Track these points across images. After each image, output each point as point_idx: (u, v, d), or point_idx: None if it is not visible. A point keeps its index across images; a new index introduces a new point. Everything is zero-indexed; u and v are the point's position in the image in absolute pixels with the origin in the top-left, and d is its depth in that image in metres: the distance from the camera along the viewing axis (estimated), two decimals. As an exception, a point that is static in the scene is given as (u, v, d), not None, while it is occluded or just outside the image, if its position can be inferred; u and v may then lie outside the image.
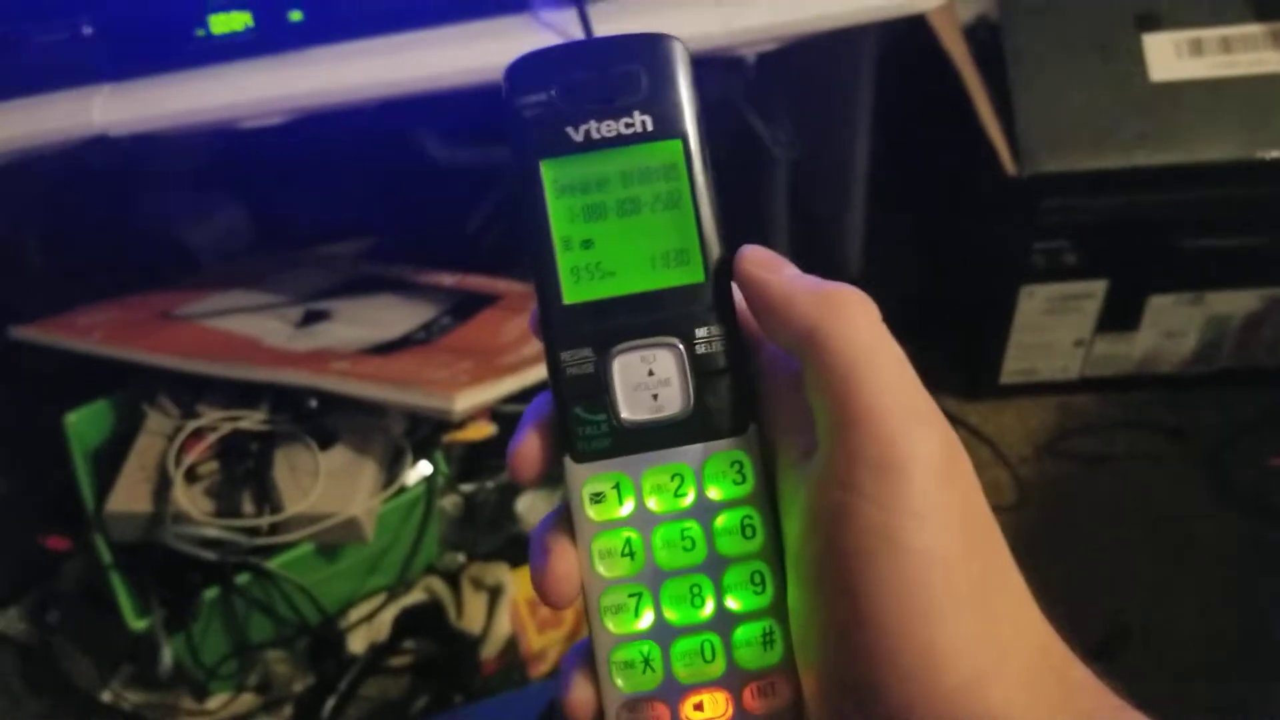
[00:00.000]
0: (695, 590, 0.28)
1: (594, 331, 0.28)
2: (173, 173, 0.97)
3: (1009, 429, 1.02)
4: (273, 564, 0.75)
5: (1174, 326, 0.99)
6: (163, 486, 0.75)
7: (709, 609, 0.28)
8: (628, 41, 0.29)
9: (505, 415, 0.82)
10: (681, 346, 0.28)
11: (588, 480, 0.28)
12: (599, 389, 0.28)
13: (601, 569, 0.28)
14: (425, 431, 0.81)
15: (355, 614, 0.81)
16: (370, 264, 0.99)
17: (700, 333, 0.28)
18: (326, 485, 0.75)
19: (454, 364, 0.80)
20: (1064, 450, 1.00)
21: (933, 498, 0.25)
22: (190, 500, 0.74)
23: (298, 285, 0.92)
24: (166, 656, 0.74)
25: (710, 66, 0.77)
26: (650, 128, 0.28)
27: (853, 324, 0.26)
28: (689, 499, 0.28)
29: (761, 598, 0.28)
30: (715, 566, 0.28)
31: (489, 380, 0.76)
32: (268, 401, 0.78)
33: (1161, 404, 1.02)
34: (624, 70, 0.28)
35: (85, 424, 0.82)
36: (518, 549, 0.86)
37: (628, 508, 0.28)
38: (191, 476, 0.76)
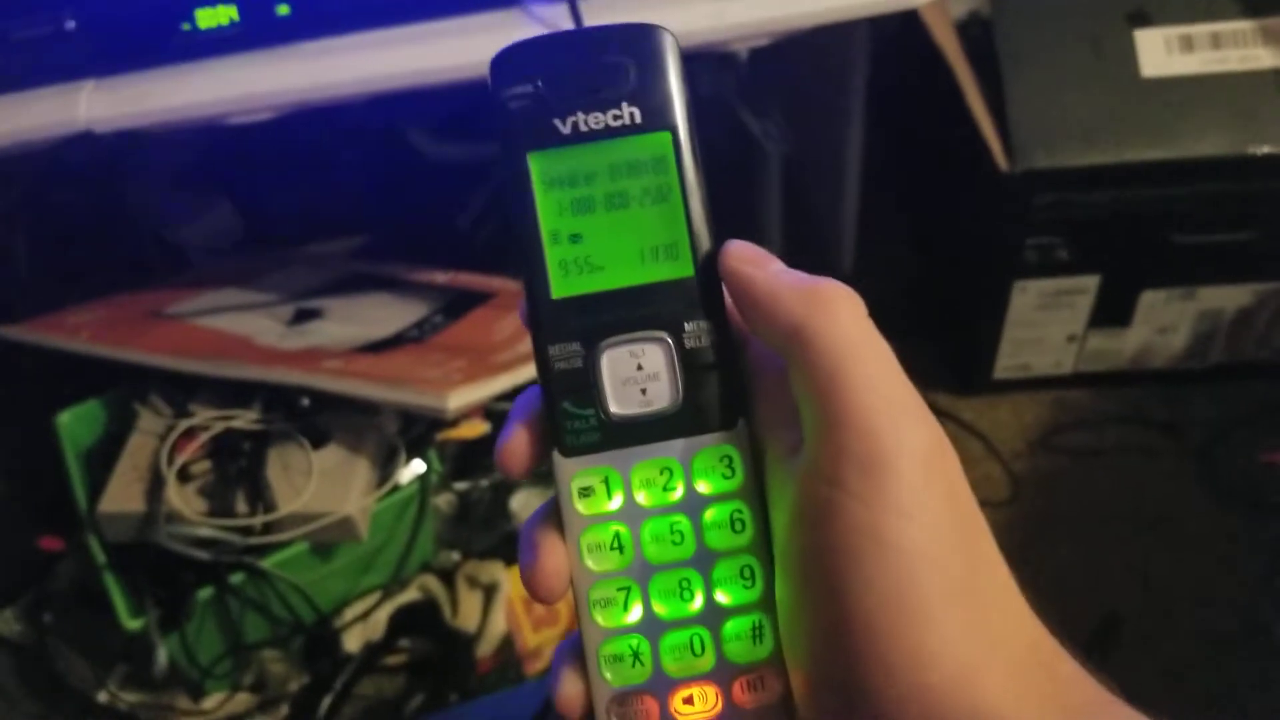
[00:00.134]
0: (684, 584, 0.28)
1: (582, 326, 0.28)
2: (161, 170, 0.97)
3: (1002, 424, 1.02)
4: (267, 563, 0.75)
5: (1166, 322, 0.99)
6: (155, 486, 0.74)
7: (698, 603, 0.28)
8: (615, 32, 0.28)
9: (498, 413, 0.82)
10: (670, 341, 0.28)
11: (576, 474, 0.28)
12: (587, 383, 0.28)
13: (590, 563, 0.28)
14: (418, 430, 0.81)
15: (350, 613, 0.81)
16: (362, 262, 0.98)
17: (689, 327, 0.28)
18: (320, 484, 0.74)
19: (447, 362, 0.80)
20: (1057, 445, 1.01)
21: (919, 494, 0.25)
22: (183, 500, 0.74)
23: (289, 283, 0.92)
24: (161, 656, 0.74)
25: (702, 62, 0.77)
26: (638, 120, 0.28)
27: (838, 320, 0.26)
28: (678, 493, 0.28)
29: (751, 592, 0.28)
30: (704, 560, 0.28)
31: (482, 378, 0.76)
32: (260, 400, 0.78)
33: (1154, 399, 1.02)
34: (611, 61, 0.28)
35: (77, 424, 0.82)
36: (512, 547, 0.85)
37: (616, 502, 0.28)
38: (184, 476, 0.75)
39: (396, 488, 0.78)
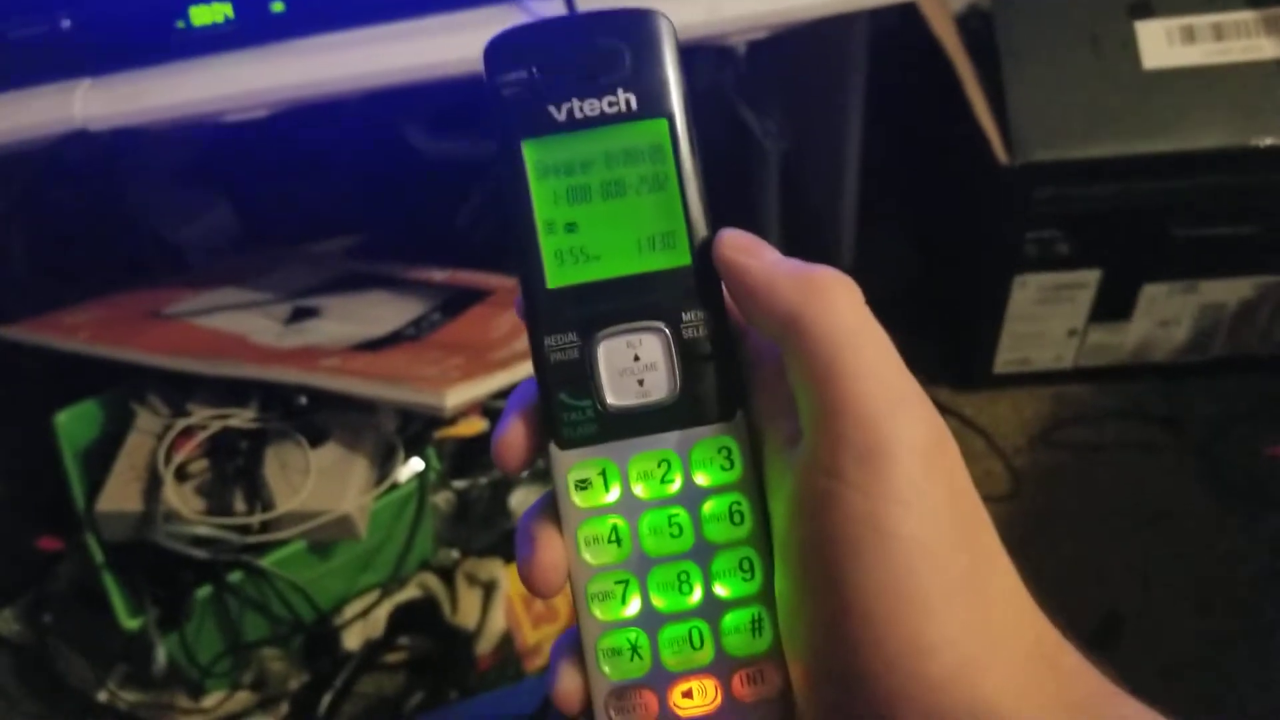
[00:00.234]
0: (683, 577, 0.28)
1: (578, 316, 0.28)
2: (158, 170, 0.96)
3: (1003, 419, 1.02)
4: (265, 562, 0.75)
5: (1167, 315, 0.98)
6: (153, 485, 0.74)
7: (697, 596, 0.28)
8: (610, 17, 0.28)
9: (496, 411, 0.82)
10: (668, 331, 0.28)
11: (573, 467, 0.28)
12: (584, 374, 0.28)
13: (588, 556, 0.28)
14: (417, 428, 0.80)
15: (349, 611, 0.81)
16: (359, 260, 0.98)
17: (687, 316, 0.28)
18: (318, 482, 0.74)
19: (444, 360, 0.80)
20: (1058, 440, 1.00)
21: (919, 484, 0.24)
22: (181, 499, 0.74)
23: (286, 282, 0.92)
24: (160, 655, 0.74)
25: (700, 56, 0.77)
26: (634, 106, 0.28)
27: (835, 308, 0.26)
28: (676, 485, 0.28)
29: (750, 584, 0.28)
30: (703, 553, 0.28)
31: (480, 376, 0.76)
32: (257, 399, 0.78)
33: (1155, 393, 1.02)
34: (607, 47, 0.28)
35: (74, 424, 0.82)
36: (511, 544, 0.85)
37: (614, 494, 0.28)
38: (182, 475, 0.75)
39: (395, 486, 0.78)
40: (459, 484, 0.83)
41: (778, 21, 0.67)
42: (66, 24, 0.63)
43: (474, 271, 0.92)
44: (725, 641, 0.28)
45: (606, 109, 0.28)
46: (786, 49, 0.74)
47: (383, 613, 0.81)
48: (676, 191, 0.28)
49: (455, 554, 0.84)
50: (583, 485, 0.28)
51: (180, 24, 0.64)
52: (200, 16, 0.64)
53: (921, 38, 0.94)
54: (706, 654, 0.28)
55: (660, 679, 0.28)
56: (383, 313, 0.87)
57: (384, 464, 0.79)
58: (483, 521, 0.85)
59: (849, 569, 0.24)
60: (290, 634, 0.79)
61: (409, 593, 0.83)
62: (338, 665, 0.79)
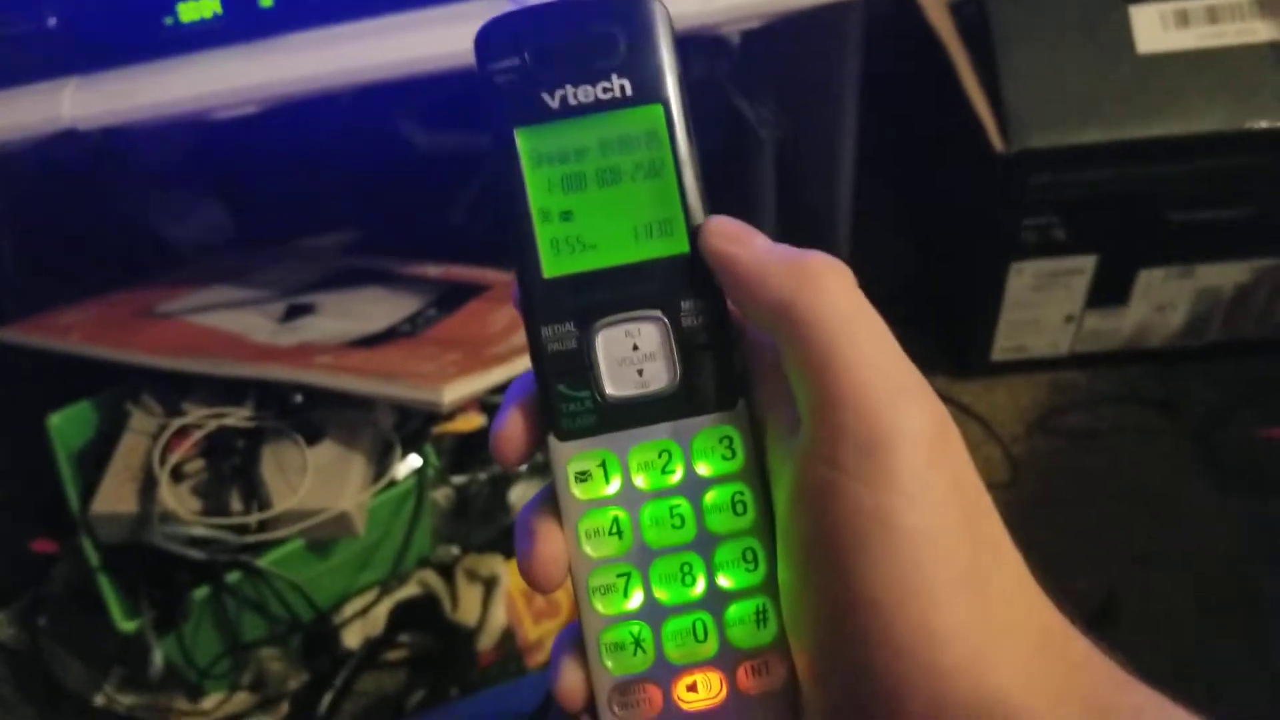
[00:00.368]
0: (686, 569, 0.28)
1: (576, 306, 0.28)
2: (150, 168, 0.96)
3: (1000, 407, 1.02)
4: (263, 561, 0.74)
5: (1164, 300, 0.98)
6: (149, 486, 0.74)
7: (700, 587, 0.28)
8: (604, 2, 0.28)
9: (494, 406, 0.81)
10: (666, 319, 0.28)
11: (572, 459, 0.28)
12: (582, 365, 0.28)
13: (589, 549, 0.28)
14: (414, 424, 0.80)
15: (349, 609, 0.80)
16: (353, 256, 0.98)
17: (686, 305, 0.28)
18: (315, 481, 0.74)
19: (441, 355, 0.79)
20: (1055, 427, 1.00)
21: (923, 475, 0.24)
22: (177, 499, 0.73)
23: (280, 279, 0.91)
24: (158, 657, 0.73)
25: (694, 46, 0.76)
26: (629, 93, 0.27)
27: (829, 295, 0.25)
28: (677, 476, 0.28)
29: (754, 575, 0.28)
30: (706, 544, 0.28)
31: (477, 371, 0.75)
32: (253, 398, 0.77)
33: (1151, 378, 1.02)
34: (600, 32, 0.27)
35: (68, 425, 0.81)
36: (511, 540, 0.85)
37: (614, 486, 0.28)
38: (178, 475, 0.75)
39: (393, 483, 0.78)
40: (458, 480, 0.83)
41: (772, 10, 0.67)
42: (53, 22, 0.62)
43: (470, 266, 0.92)
44: (729, 633, 0.28)
45: (601, 95, 0.27)
46: (781, 39, 0.73)
47: (382, 610, 0.81)
48: (673, 178, 0.28)
49: (455, 550, 0.84)
50: (583, 477, 0.28)
51: (169, 20, 0.63)
52: (189, 13, 0.63)
53: (916, 26, 0.94)
54: (710, 646, 0.28)
55: (664, 672, 0.28)
56: (378, 309, 0.87)
57: (382, 461, 0.78)
58: (482, 517, 0.85)
59: (854, 561, 0.24)
60: (289, 633, 0.79)
61: (409, 590, 0.82)
62: (337, 664, 0.79)
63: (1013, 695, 0.23)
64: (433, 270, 0.92)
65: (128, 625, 0.73)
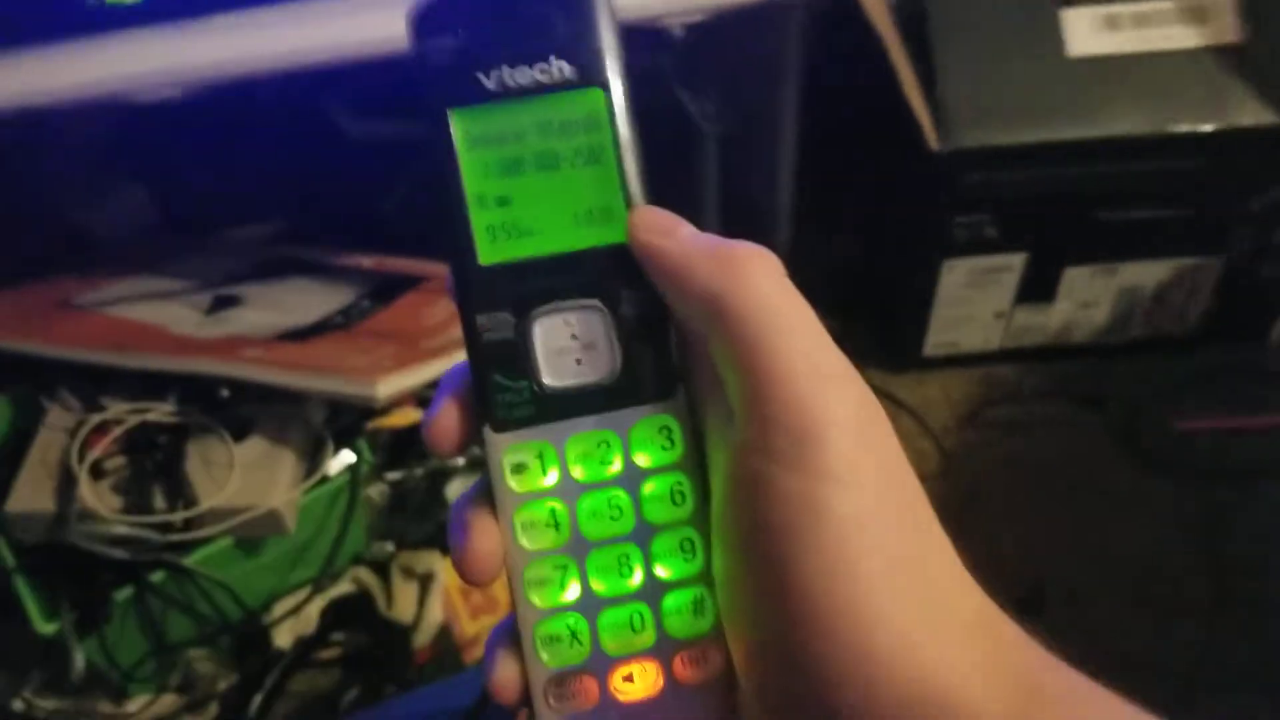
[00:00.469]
0: (623, 560, 0.27)
1: (513, 294, 0.27)
2: (67, 153, 0.93)
3: (933, 400, 1.04)
4: (190, 560, 0.72)
5: (1088, 297, 1.01)
6: (67, 484, 0.71)
7: (638, 578, 0.27)
8: None
9: (431, 400, 0.80)
10: (606, 308, 0.27)
11: (508, 450, 0.27)
12: (519, 354, 0.27)
13: (525, 542, 0.27)
14: (348, 420, 0.79)
15: (280, 608, 0.79)
16: (283, 246, 0.95)
17: (625, 294, 0.27)
18: (243, 477, 0.72)
19: (375, 349, 0.78)
20: (986, 420, 1.02)
21: (852, 462, 0.24)
22: (97, 497, 0.71)
23: (206, 270, 0.89)
24: (78, 660, 0.71)
25: (637, 39, 0.76)
26: (569, 75, 0.27)
27: (755, 286, 0.25)
28: (616, 466, 0.27)
29: (692, 565, 0.27)
30: (644, 534, 0.27)
31: (413, 365, 0.74)
32: (176, 392, 0.75)
33: (1078, 373, 1.05)
34: (539, 12, 0.27)
35: (-19, 421, 0.78)
36: (447, 536, 0.84)
37: (552, 477, 0.27)
38: (97, 473, 0.72)
39: (325, 479, 0.76)
40: (393, 476, 0.82)
41: (715, 4, 0.67)
42: (-36, -2, 0.60)
43: (405, 258, 0.91)
44: (666, 623, 0.27)
45: (539, 77, 0.27)
46: (723, 32, 0.73)
47: (315, 609, 0.80)
48: (614, 164, 0.27)
49: (390, 547, 0.83)
50: (519, 469, 0.27)
51: None
52: (111, -8, 0.61)
53: (857, 23, 0.94)
54: (647, 637, 0.27)
55: (600, 664, 0.27)
56: (309, 301, 0.85)
57: (313, 457, 0.77)
58: (418, 513, 0.84)
59: (787, 549, 0.24)
60: (218, 634, 0.77)
61: (342, 588, 0.81)
62: (269, 664, 0.77)
63: (944, 677, 0.23)
64: (366, 262, 0.91)
65: (47, 627, 0.71)
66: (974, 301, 1.00)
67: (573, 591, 0.27)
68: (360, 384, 0.71)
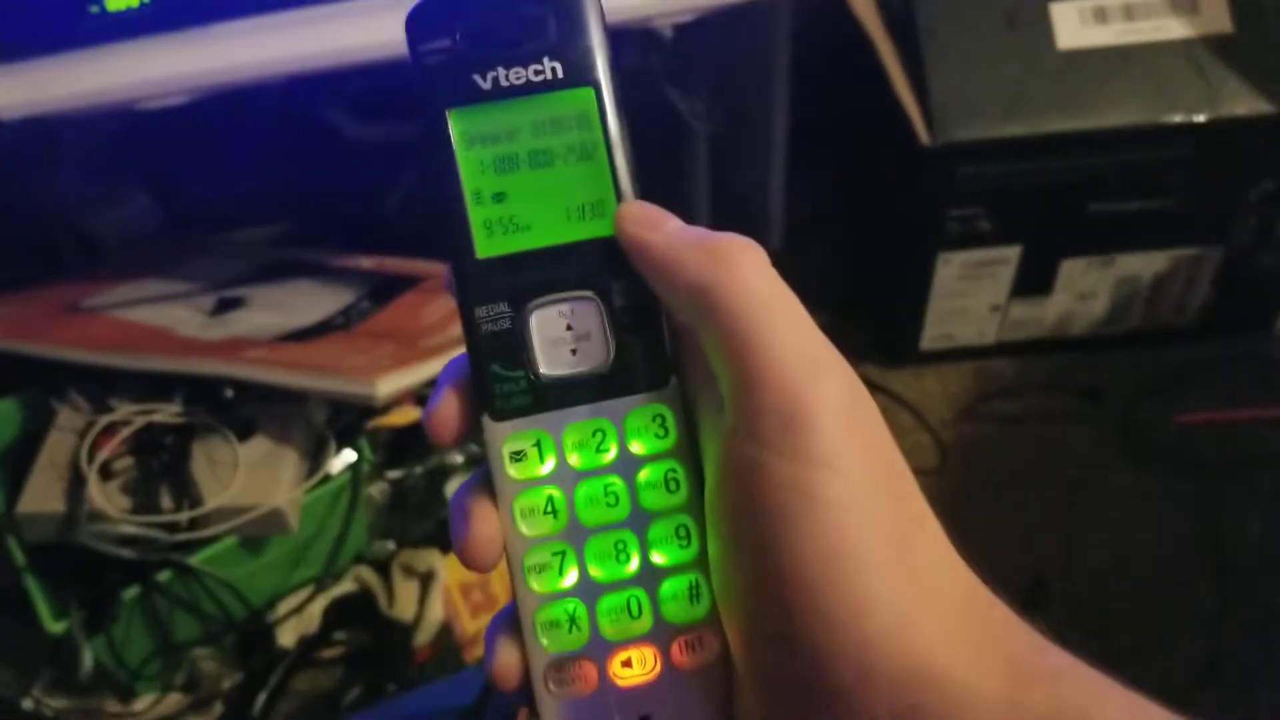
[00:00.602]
0: (620, 546, 0.28)
1: (509, 286, 0.28)
2: (73, 159, 0.93)
3: (930, 394, 1.04)
4: (195, 560, 0.73)
5: (1085, 289, 1.01)
6: (76, 484, 0.72)
7: (634, 564, 0.28)
8: None
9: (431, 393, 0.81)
10: (600, 300, 0.28)
11: (507, 438, 0.28)
12: (516, 345, 0.28)
13: (524, 528, 0.28)
14: (348, 419, 0.79)
15: (283, 607, 0.79)
16: (284, 249, 0.96)
17: (618, 285, 0.28)
18: (247, 477, 0.73)
19: (374, 349, 0.79)
20: (983, 413, 1.03)
21: (842, 446, 0.25)
22: (105, 497, 0.72)
23: (209, 272, 0.90)
24: (87, 658, 0.72)
25: (627, 39, 0.77)
26: (561, 75, 0.28)
27: (743, 278, 0.26)
28: (611, 454, 0.28)
29: (687, 551, 0.28)
30: (639, 521, 0.28)
31: (412, 364, 0.75)
32: (182, 393, 0.76)
33: (1075, 365, 1.05)
34: (531, 14, 0.28)
35: (-10, 424, 0.79)
36: (448, 534, 0.84)
37: (549, 465, 0.28)
38: (106, 473, 0.73)
39: (327, 478, 0.77)
40: (393, 474, 0.82)
41: (703, 4, 0.67)
42: (-28, 8, 0.61)
43: (403, 258, 0.91)
44: (663, 609, 0.28)
45: (532, 77, 0.27)
46: (713, 31, 0.74)
47: (317, 608, 0.80)
48: (605, 160, 0.28)
49: (391, 545, 0.83)
50: (517, 457, 0.28)
51: (94, 9, 0.62)
52: (115, 1, 0.62)
53: (845, 19, 0.95)
54: (645, 622, 0.28)
55: (599, 649, 0.28)
56: (310, 302, 0.86)
57: (315, 456, 0.77)
58: (418, 511, 0.85)
59: (780, 534, 0.24)
60: (222, 633, 0.78)
61: (344, 587, 0.81)
62: (272, 663, 0.78)
63: (937, 659, 0.24)
64: (365, 263, 0.91)
65: (56, 626, 0.72)
66: (970, 295, 1.01)
67: (571, 577, 0.28)
68: (360, 383, 0.72)
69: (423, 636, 0.81)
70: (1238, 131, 0.89)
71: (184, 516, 0.71)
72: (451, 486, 0.85)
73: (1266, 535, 0.91)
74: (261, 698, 0.77)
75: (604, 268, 0.28)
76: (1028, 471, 0.98)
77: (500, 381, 0.28)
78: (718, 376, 0.26)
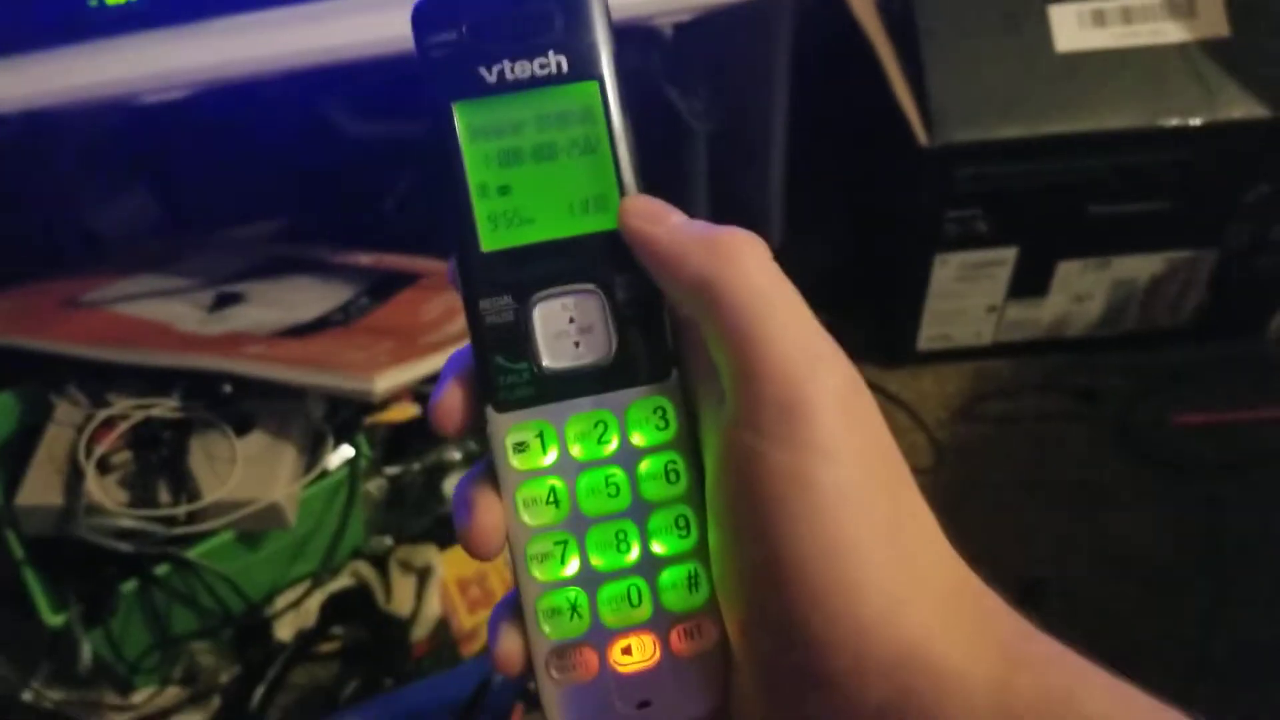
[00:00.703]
0: (621, 536, 0.28)
1: (513, 279, 0.28)
2: (72, 154, 0.93)
3: (926, 394, 1.04)
4: (193, 554, 0.73)
5: (1081, 291, 1.02)
6: (74, 478, 0.72)
7: (635, 554, 0.28)
8: None
9: (428, 395, 0.81)
10: (602, 293, 0.28)
11: (510, 430, 0.28)
12: (520, 337, 0.28)
13: (526, 518, 0.28)
14: (347, 415, 0.79)
15: (281, 601, 0.80)
16: (283, 245, 0.97)
17: (620, 279, 0.28)
18: (245, 471, 0.73)
19: (373, 345, 0.79)
20: (979, 413, 1.03)
21: (838, 434, 0.25)
22: (103, 491, 0.72)
23: (208, 268, 0.90)
24: (86, 651, 0.72)
25: (626, 38, 0.77)
26: (565, 69, 0.28)
27: (744, 271, 0.26)
28: (613, 445, 0.28)
29: (686, 541, 0.29)
30: (640, 511, 0.29)
31: (410, 360, 0.75)
32: (180, 388, 0.76)
33: (1071, 366, 1.05)
34: (536, 8, 0.28)
35: (-11, 417, 0.79)
36: (446, 530, 0.85)
37: (551, 456, 0.28)
38: (104, 467, 0.73)
39: (325, 473, 0.77)
40: (391, 470, 0.83)
41: (703, 3, 0.68)
42: (-28, 2, 0.61)
43: (402, 255, 0.91)
44: (663, 598, 0.29)
45: (537, 71, 0.28)
46: (713, 31, 0.74)
47: (315, 603, 0.80)
48: (608, 154, 0.28)
49: (389, 541, 0.84)
50: (520, 448, 0.28)
51: (93, 3, 0.62)
52: (113, -6, 0.62)
53: (843, 20, 0.95)
54: (645, 610, 0.29)
55: (600, 636, 0.28)
56: (309, 298, 0.86)
57: (313, 451, 0.78)
58: (416, 507, 0.85)
59: (776, 521, 0.25)
60: (220, 626, 0.78)
61: (341, 581, 0.82)
62: (270, 657, 0.78)
63: (929, 645, 0.24)
64: (364, 259, 0.92)
65: (55, 619, 0.72)
66: (966, 296, 1.01)
67: (573, 566, 0.28)
68: (358, 379, 0.72)
69: (420, 631, 0.81)
70: (1234, 135, 0.89)
71: (182, 511, 0.71)
72: (449, 482, 0.85)
73: (1261, 535, 0.91)
74: (259, 691, 0.77)
75: (607, 261, 0.28)
76: (1024, 472, 0.98)
77: (504, 373, 0.28)
78: (719, 368, 0.27)
